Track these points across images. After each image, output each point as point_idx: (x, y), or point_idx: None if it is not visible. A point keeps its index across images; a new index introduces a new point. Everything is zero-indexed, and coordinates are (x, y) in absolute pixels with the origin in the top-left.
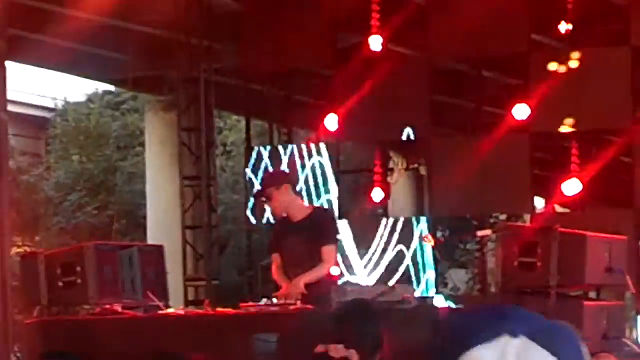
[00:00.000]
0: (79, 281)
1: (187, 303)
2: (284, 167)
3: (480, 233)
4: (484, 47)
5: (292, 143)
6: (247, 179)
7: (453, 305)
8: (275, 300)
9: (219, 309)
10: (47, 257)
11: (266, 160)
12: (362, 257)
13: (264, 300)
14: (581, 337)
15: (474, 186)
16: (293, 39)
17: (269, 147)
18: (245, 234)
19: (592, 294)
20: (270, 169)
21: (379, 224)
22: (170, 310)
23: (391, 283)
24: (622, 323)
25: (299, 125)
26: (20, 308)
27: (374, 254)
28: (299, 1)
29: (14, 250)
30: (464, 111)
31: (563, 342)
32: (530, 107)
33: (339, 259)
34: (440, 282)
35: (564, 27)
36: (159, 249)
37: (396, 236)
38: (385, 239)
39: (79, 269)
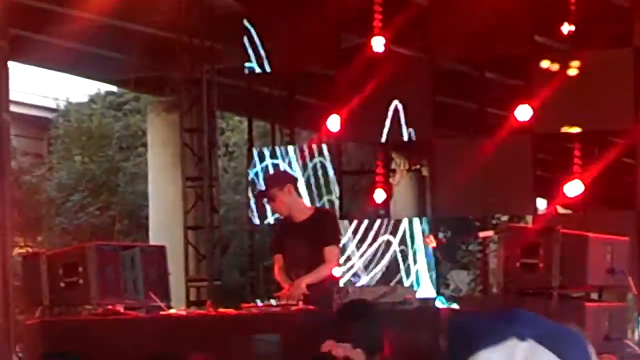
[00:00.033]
0: (81, 281)
1: (189, 303)
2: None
3: (482, 234)
4: (486, 48)
5: (294, 144)
6: (249, 179)
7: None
8: (274, 301)
9: (221, 310)
10: (48, 258)
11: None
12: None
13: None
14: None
15: (476, 187)
16: (295, 40)
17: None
18: (247, 235)
19: (594, 295)
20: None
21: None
22: (172, 311)
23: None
24: (624, 324)
25: (301, 125)
26: (21, 308)
27: (374, 254)
28: (301, 2)
29: (16, 250)
30: (466, 112)
31: (570, 346)
32: (532, 108)
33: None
34: (442, 283)
35: (566, 28)
36: (160, 250)
37: (390, 236)
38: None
39: (80, 269)
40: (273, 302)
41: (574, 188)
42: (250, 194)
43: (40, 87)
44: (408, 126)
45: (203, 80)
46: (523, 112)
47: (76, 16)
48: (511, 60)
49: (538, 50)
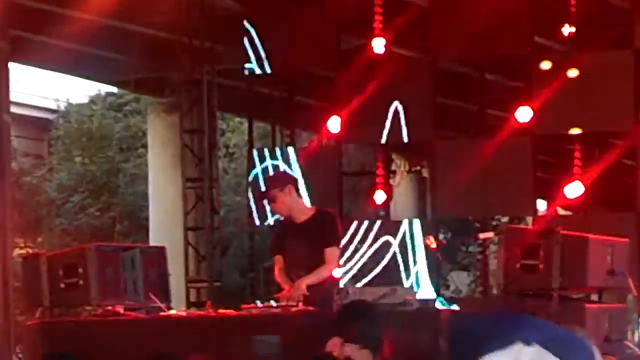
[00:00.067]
0: (81, 282)
1: (189, 304)
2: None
3: (482, 235)
4: (486, 49)
5: (294, 145)
6: (250, 180)
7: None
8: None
9: (221, 311)
10: (49, 258)
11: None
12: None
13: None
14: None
15: (476, 188)
16: (296, 41)
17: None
18: (247, 236)
19: (594, 297)
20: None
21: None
22: (172, 312)
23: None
24: (624, 325)
25: (302, 127)
26: (22, 309)
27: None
28: (301, 3)
29: (16, 251)
30: (467, 113)
31: (576, 351)
32: (532, 109)
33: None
34: (442, 284)
35: (566, 29)
36: (160, 250)
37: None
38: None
39: (80, 270)
40: (273, 303)
41: (574, 189)
42: (250, 195)
43: (40, 88)
44: (408, 127)
45: (203, 81)
46: (523, 114)
47: (76, 17)
48: (511, 62)
49: (538, 52)
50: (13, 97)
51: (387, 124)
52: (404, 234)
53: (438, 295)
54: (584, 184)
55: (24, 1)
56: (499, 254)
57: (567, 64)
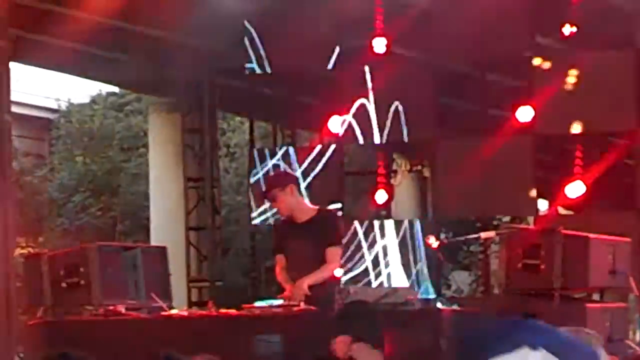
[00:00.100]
0: (83, 282)
1: (191, 304)
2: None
3: (483, 235)
4: (487, 49)
5: (295, 144)
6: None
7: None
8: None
9: (222, 310)
10: (50, 258)
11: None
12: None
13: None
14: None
15: (477, 188)
16: (297, 41)
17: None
18: (248, 235)
19: (596, 296)
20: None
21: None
22: (174, 312)
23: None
24: (626, 325)
25: (303, 126)
26: (23, 309)
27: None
28: (303, 3)
29: (18, 251)
30: (468, 113)
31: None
32: (533, 109)
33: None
34: (443, 284)
35: (567, 29)
36: (162, 250)
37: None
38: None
39: (82, 269)
40: (274, 302)
41: (575, 189)
42: (251, 195)
43: (41, 87)
44: (409, 127)
45: (204, 81)
46: (524, 113)
47: (78, 17)
48: (512, 62)
49: (539, 52)
50: (14, 96)
51: (388, 123)
52: (405, 233)
53: (439, 295)
54: (585, 184)
55: (25, 1)
56: (500, 254)
57: (568, 63)
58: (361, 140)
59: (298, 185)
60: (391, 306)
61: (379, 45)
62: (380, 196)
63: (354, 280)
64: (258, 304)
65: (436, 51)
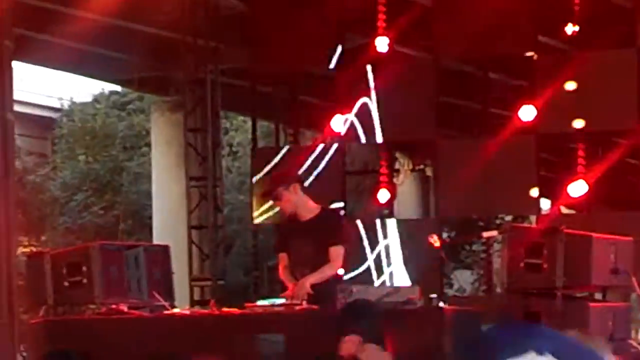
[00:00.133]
0: (85, 281)
1: (193, 303)
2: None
3: (485, 234)
4: (490, 48)
5: (298, 144)
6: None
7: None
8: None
9: (225, 309)
10: (52, 257)
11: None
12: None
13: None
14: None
15: (479, 187)
16: (299, 40)
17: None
18: (251, 234)
19: (598, 295)
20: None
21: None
22: (176, 310)
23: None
24: (628, 324)
25: (305, 125)
26: (25, 307)
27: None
28: (305, 2)
29: (20, 249)
30: (470, 112)
31: None
32: (536, 108)
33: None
34: (446, 283)
35: (570, 28)
36: (164, 249)
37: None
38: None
39: (84, 268)
40: (277, 301)
41: (577, 188)
42: (254, 194)
43: (44, 86)
44: (412, 126)
45: (207, 80)
46: (527, 113)
47: (80, 16)
48: (515, 61)
49: (542, 51)
50: (17, 95)
51: (391, 122)
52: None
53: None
54: (587, 183)
55: (28, 0)
56: (502, 253)
57: (571, 63)
58: (363, 140)
59: (302, 183)
60: (393, 305)
61: (382, 44)
62: (383, 195)
63: (356, 279)
64: (260, 302)
65: (438, 50)
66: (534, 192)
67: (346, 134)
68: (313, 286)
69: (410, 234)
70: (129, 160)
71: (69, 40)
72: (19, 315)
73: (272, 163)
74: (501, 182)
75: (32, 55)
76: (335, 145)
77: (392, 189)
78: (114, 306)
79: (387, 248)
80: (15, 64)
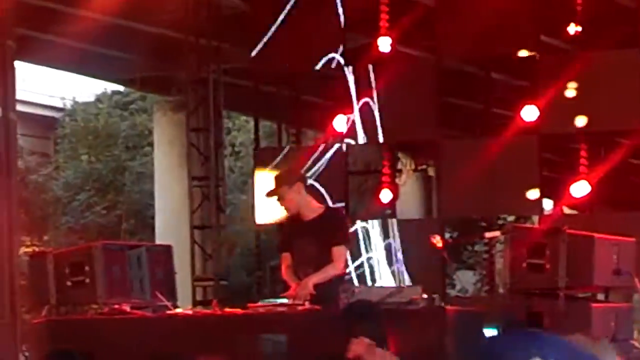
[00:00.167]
0: (88, 280)
1: (195, 303)
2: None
3: (488, 234)
4: (492, 48)
5: (300, 143)
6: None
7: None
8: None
9: (227, 309)
10: (55, 257)
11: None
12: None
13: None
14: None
15: (482, 187)
16: (302, 40)
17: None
18: (253, 234)
19: (600, 296)
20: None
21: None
22: (178, 310)
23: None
24: (630, 325)
25: (308, 125)
26: (28, 307)
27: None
28: (307, 2)
29: (22, 249)
30: (473, 112)
31: None
32: (538, 108)
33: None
34: (448, 284)
35: (572, 28)
36: (167, 249)
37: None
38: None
39: (87, 268)
40: (279, 301)
41: (580, 189)
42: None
43: (46, 86)
44: (414, 126)
45: (209, 80)
46: (529, 113)
47: (83, 16)
48: (517, 61)
49: (544, 51)
50: (19, 95)
51: (393, 122)
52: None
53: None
54: (590, 183)
55: (30, 0)
56: (505, 253)
57: (573, 63)
58: (366, 139)
59: (306, 183)
60: (396, 305)
61: (384, 44)
62: (385, 195)
63: (359, 279)
64: (263, 302)
65: (441, 50)
66: (535, 193)
67: (348, 134)
68: (316, 286)
69: (412, 234)
70: (131, 160)
71: (71, 40)
72: (21, 315)
73: (275, 163)
74: (504, 183)
75: (35, 55)
76: (337, 145)
77: (395, 189)
78: (116, 306)
79: (389, 248)
80: (17, 64)
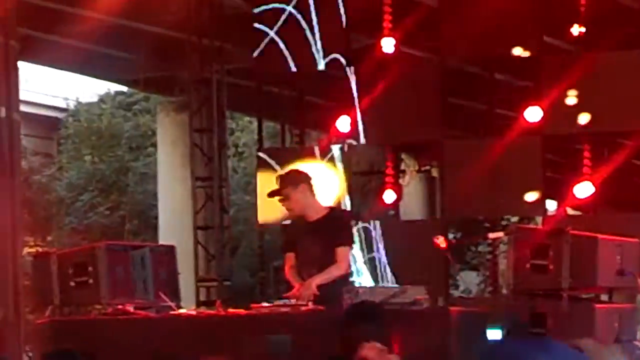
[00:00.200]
0: (91, 281)
1: (199, 303)
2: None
3: (491, 235)
4: (495, 49)
5: (304, 144)
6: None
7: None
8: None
9: (231, 310)
10: (59, 257)
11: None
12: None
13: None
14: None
15: (485, 188)
16: (305, 41)
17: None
18: (256, 235)
19: (604, 297)
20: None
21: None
22: (182, 311)
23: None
24: (634, 326)
25: (311, 126)
26: (31, 308)
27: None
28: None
29: (26, 249)
30: (476, 113)
31: None
32: (542, 109)
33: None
34: (452, 284)
35: (576, 29)
36: (170, 249)
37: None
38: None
39: (90, 268)
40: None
41: (583, 189)
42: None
43: (50, 87)
44: (418, 127)
45: (213, 80)
46: (533, 114)
47: (86, 16)
48: (521, 62)
49: (547, 52)
50: (23, 96)
51: (397, 123)
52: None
53: (447, 294)
54: (593, 184)
55: (33, 0)
56: (508, 254)
57: (577, 64)
58: (369, 140)
59: (310, 183)
60: (400, 306)
61: (387, 44)
62: (389, 196)
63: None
64: (266, 303)
65: (444, 51)
66: (540, 193)
67: (352, 134)
68: (319, 287)
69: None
70: (134, 161)
71: (74, 40)
72: (25, 315)
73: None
74: (507, 183)
75: (38, 55)
76: (340, 146)
77: (398, 190)
78: (120, 306)
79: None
80: (21, 64)
